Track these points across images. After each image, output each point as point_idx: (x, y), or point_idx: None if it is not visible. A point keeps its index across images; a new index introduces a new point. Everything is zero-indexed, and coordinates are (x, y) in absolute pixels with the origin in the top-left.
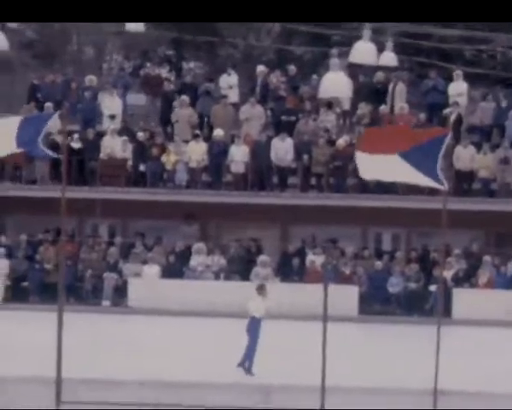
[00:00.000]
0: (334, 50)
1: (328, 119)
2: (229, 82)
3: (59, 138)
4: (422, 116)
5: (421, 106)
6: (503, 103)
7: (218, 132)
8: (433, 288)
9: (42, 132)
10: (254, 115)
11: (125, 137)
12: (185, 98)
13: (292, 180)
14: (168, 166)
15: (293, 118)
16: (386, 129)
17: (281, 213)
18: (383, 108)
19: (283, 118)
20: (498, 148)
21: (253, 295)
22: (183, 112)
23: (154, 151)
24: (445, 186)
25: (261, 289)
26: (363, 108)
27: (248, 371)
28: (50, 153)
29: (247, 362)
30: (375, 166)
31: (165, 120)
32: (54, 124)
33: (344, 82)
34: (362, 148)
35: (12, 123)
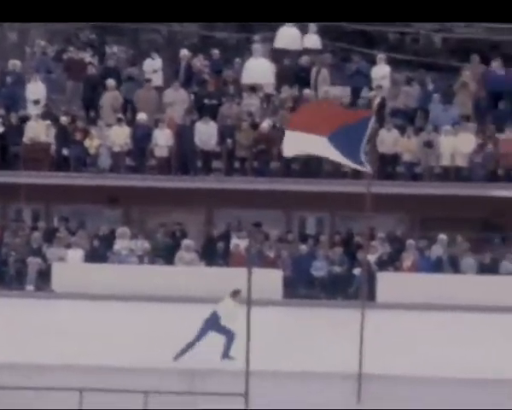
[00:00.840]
0: (257, 36)
1: (252, 102)
2: (152, 66)
3: None
4: (346, 100)
5: (345, 89)
6: (427, 87)
7: (142, 116)
8: (357, 271)
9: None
10: (178, 99)
11: (48, 122)
12: (110, 82)
13: (216, 164)
14: (91, 151)
15: (216, 102)
16: (321, 105)
17: (205, 197)
18: (307, 92)
19: (206, 102)
20: (422, 131)
21: (226, 299)
22: (107, 96)
23: (77, 135)
24: (368, 170)
25: (236, 295)
26: (287, 92)
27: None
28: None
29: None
30: (301, 143)
31: (89, 105)
32: None
33: (266, 67)
34: (293, 126)
35: None
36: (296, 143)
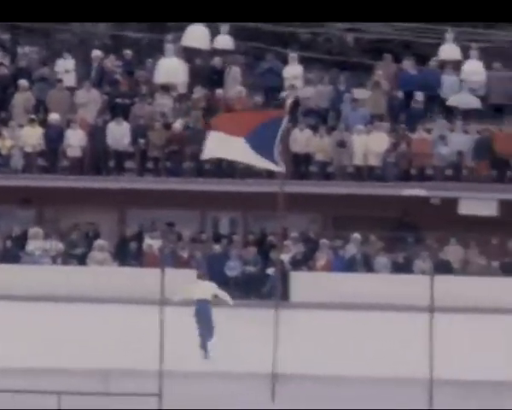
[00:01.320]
0: (169, 36)
1: (164, 102)
2: (64, 66)
3: None
4: (259, 99)
5: (257, 89)
6: (340, 87)
7: (54, 117)
8: (270, 271)
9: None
10: (90, 99)
11: None
12: (22, 82)
13: (129, 164)
14: (3, 151)
15: (128, 102)
16: (236, 114)
17: (118, 197)
18: (219, 92)
19: (119, 102)
20: (335, 131)
21: (195, 281)
22: (18, 96)
23: None
24: (282, 169)
25: (201, 276)
26: (199, 92)
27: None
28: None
29: (206, 346)
30: (219, 146)
31: (0, 105)
32: None
33: (178, 67)
34: (214, 128)
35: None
36: (216, 146)
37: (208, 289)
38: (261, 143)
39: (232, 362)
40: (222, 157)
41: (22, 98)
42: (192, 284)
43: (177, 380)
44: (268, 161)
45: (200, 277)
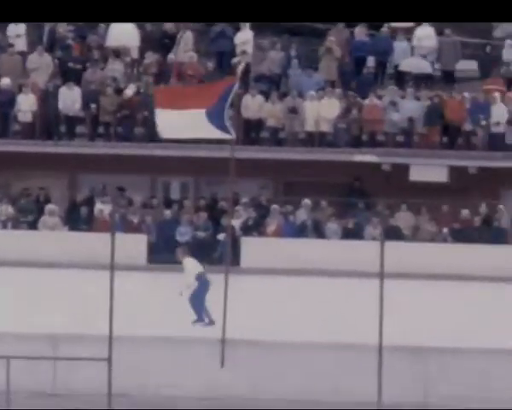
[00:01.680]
0: None
1: (116, 68)
2: (16, 31)
3: None
4: (211, 65)
5: (209, 54)
6: (291, 52)
7: (5, 81)
8: (221, 237)
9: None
10: (42, 64)
11: None
12: None
13: (80, 129)
14: None
15: (79, 67)
16: (178, 88)
17: (69, 162)
18: (171, 57)
19: (70, 66)
20: (286, 97)
21: (186, 258)
22: None
23: None
24: (232, 136)
25: (185, 252)
26: (151, 57)
27: (210, 322)
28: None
29: (202, 316)
30: (174, 123)
31: None
32: None
33: (131, 31)
34: (161, 104)
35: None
36: (169, 123)
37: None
38: (216, 113)
39: (181, 327)
40: (178, 137)
41: None
42: (186, 267)
43: (126, 345)
44: (220, 130)
45: (184, 253)
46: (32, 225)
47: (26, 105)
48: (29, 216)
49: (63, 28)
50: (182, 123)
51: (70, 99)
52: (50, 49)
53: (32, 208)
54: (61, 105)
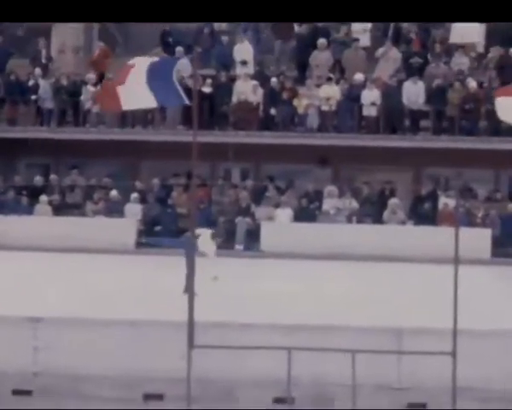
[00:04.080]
0: None
1: (462, 61)
2: (362, 26)
3: (190, 83)
4: None
5: None
6: None
7: (358, 76)
8: None
9: (173, 79)
10: (388, 58)
11: (255, 82)
12: (321, 42)
13: (424, 123)
14: (300, 110)
15: (422, 61)
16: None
17: (413, 157)
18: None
19: (413, 61)
20: None
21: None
22: (317, 55)
23: (286, 95)
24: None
25: (214, 236)
26: (495, 52)
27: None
28: (185, 99)
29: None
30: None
31: (299, 64)
32: (186, 68)
33: (474, 26)
34: (500, 93)
35: (141, 68)
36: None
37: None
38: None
39: None
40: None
41: (321, 57)
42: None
43: (469, 339)
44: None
45: (213, 236)
46: (376, 219)
47: (371, 99)
48: (372, 210)
49: (408, 24)
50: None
51: (414, 93)
52: (394, 43)
53: (376, 202)
54: (405, 99)
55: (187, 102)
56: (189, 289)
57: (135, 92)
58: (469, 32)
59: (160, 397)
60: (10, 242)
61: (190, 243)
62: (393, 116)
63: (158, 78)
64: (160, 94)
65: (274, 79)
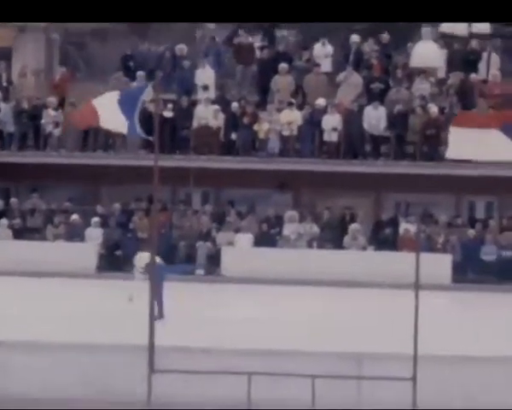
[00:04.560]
0: None
1: (423, 87)
2: (323, 51)
3: (151, 107)
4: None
5: None
6: None
7: (320, 101)
8: None
9: (137, 109)
10: (350, 84)
11: (216, 106)
12: (282, 66)
13: (384, 148)
14: (260, 135)
15: (383, 86)
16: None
17: (374, 182)
18: (474, 77)
19: (374, 86)
20: None
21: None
22: (279, 80)
23: (246, 120)
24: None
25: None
26: (455, 77)
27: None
28: (143, 134)
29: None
30: (467, 143)
31: (260, 89)
32: (147, 93)
33: (435, 51)
34: (456, 123)
35: (112, 98)
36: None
37: None
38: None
39: (484, 347)
40: (469, 158)
41: (282, 82)
42: None
43: (429, 365)
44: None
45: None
46: (336, 244)
47: (332, 124)
48: (333, 235)
49: (369, 48)
50: (470, 143)
51: (375, 118)
52: (355, 69)
53: (337, 227)
54: (365, 124)
55: (143, 135)
56: (151, 311)
57: (111, 112)
58: (430, 57)
59: None
60: None
61: (154, 268)
62: (354, 141)
63: (127, 104)
64: (129, 121)
65: (235, 104)
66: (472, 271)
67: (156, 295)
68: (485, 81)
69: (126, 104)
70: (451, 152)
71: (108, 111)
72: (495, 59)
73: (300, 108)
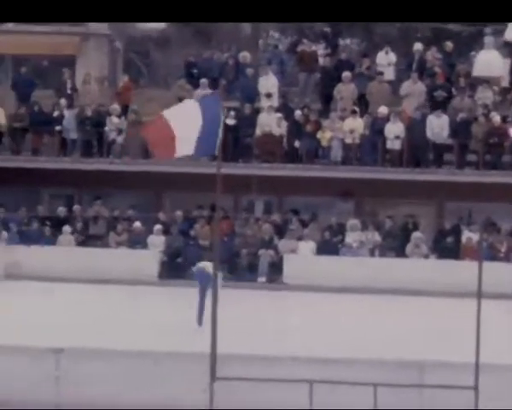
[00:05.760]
0: (488, 29)
1: (486, 95)
2: (386, 59)
3: None
4: None
5: None
6: None
7: (382, 110)
8: None
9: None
10: (413, 92)
11: (279, 114)
12: (346, 75)
13: (447, 157)
14: (323, 143)
15: (446, 94)
16: None
17: (437, 190)
18: None
19: (437, 94)
20: None
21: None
22: (342, 88)
23: (309, 127)
24: None
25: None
26: None
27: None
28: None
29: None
30: None
31: (322, 97)
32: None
33: (497, 60)
34: None
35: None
36: None
37: None
38: None
39: None
40: None
41: (345, 90)
42: None
43: (492, 374)
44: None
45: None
46: (399, 253)
47: (395, 133)
48: (395, 243)
49: (432, 56)
50: None
51: (438, 127)
52: (419, 77)
53: (399, 236)
54: (429, 133)
55: (215, 153)
56: (213, 320)
57: (184, 141)
58: (493, 66)
59: None
60: (33, 272)
61: (203, 274)
62: (417, 150)
63: (209, 125)
64: (202, 143)
65: (298, 112)
66: None
67: (200, 301)
68: None
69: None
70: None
71: (183, 126)
72: None
73: (363, 116)
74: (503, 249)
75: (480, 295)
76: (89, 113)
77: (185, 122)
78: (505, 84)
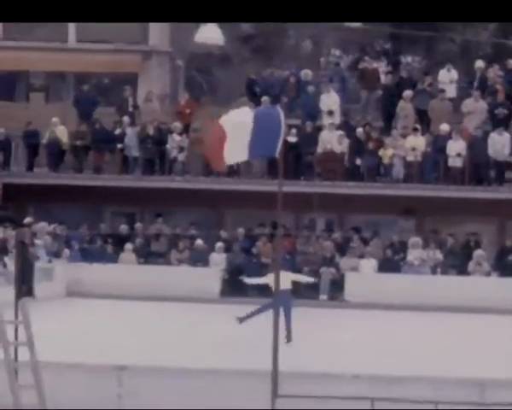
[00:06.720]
0: None
1: None
2: (448, 76)
3: None
4: None
5: None
6: None
7: (444, 127)
8: None
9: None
10: (475, 110)
11: (341, 132)
12: (407, 93)
13: (509, 174)
14: (385, 160)
15: (507, 112)
16: None
17: (499, 208)
18: None
19: (498, 112)
20: None
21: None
22: (403, 106)
23: (371, 145)
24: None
25: None
26: None
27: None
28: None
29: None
30: None
31: (384, 114)
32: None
33: None
34: None
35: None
36: None
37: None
38: None
39: None
40: None
41: (407, 108)
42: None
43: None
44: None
45: None
46: (460, 271)
47: (457, 150)
48: (457, 261)
49: (494, 73)
50: None
51: (500, 144)
52: (480, 94)
53: (461, 253)
54: (490, 150)
55: (277, 154)
56: (274, 337)
57: (234, 146)
58: None
59: None
60: (95, 290)
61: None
62: (479, 167)
63: (265, 127)
64: (256, 146)
65: (360, 129)
66: None
67: (286, 320)
68: None
69: (266, 124)
70: None
71: (236, 130)
72: None
73: (424, 133)
74: None
75: None
76: (150, 131)
77: (235, 127)
78: None
